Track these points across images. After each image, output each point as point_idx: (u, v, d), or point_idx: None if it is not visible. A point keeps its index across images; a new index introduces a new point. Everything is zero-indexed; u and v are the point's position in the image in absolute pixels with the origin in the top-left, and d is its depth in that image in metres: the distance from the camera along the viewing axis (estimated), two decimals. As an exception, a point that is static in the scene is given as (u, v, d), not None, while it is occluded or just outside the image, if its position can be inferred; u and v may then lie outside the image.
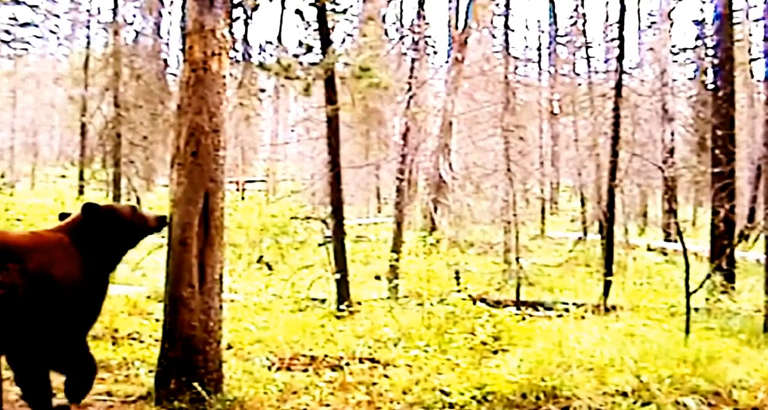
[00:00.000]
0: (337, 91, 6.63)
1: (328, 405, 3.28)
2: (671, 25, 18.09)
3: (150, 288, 6.63)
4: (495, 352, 4.34)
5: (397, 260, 8.21)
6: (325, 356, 4.19)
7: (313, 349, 4.41)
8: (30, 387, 2.89)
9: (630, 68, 16.72)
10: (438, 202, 12.09)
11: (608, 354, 3.79)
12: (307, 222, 11.78)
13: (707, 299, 6.96)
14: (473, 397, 3.27)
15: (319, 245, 9.79)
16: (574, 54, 23.09)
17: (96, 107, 12.33)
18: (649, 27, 21.20)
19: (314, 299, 6.70)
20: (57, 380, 2.96)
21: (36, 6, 17.95)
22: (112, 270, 3.19)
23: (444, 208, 12.14)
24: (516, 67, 19.22)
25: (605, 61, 21.36)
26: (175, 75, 12.33)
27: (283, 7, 11.92)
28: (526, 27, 30.62)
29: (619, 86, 8.79)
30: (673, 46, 19.33)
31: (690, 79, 20.79)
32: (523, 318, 5.04)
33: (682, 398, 3.25)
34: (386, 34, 15.82)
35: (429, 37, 17.33)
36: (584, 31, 21.10)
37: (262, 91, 10.21)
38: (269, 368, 3.83)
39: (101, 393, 3.35)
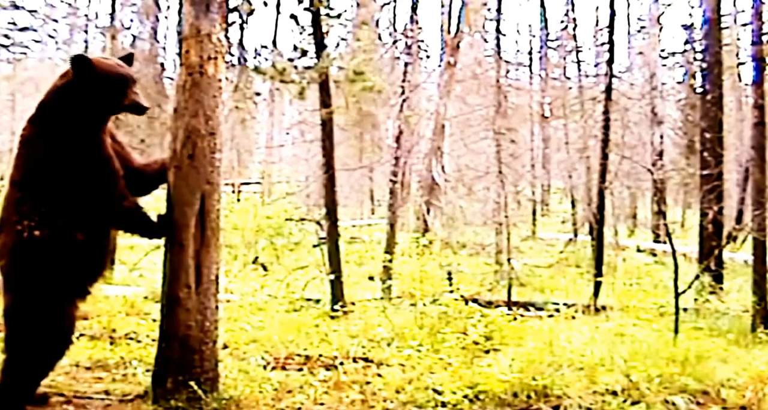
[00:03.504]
0: (332, 94, 6.66)
1: (322, 404, 3.30)
2: (660, 29, 18.30)
3: (147, 289, 6.66)
4: (487, 352, 4.37)
5: (390, 261, 8.23)
6: (320, 355, 4.21)
7: (308, 349, 4.44)
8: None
9: (620, 72, 16.80)
10: (431, 203, 12.17)
11: (598, 353, 3.84)
12: (302, 224, 11.80)
13: (696, 299, 7.05)
14: (465, 396, 3.30)
15: (314, 246, 9.83)
16: (564, 58, 23.23)
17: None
18: (639, 31, 21.38)
19: (309, 299, 6.73)
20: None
21: (35, 11, 17.85)
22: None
23: (437, 210, 12.22)
24: (508, 71, 19.30)
25: (595, 65, 21.51)
26: (171, 79, 12.32)
27: (278, 12, 11.98)
28: (518, 31, 30.73)
29: (609, 90, 8.88)
30: (663, 50, 19.51)
31: (679, 82, 20.94)
32: (515, 319, 5.06)
33: (671, 397, 3.29)
34: (380, 38, 15.88)
35: (422, 41, 17.38)
36: (575, 36, 21.25)
37: (258, 94, 10.25)
38: (264, 367, 3.85)
39: (99, 391, 3.37)
